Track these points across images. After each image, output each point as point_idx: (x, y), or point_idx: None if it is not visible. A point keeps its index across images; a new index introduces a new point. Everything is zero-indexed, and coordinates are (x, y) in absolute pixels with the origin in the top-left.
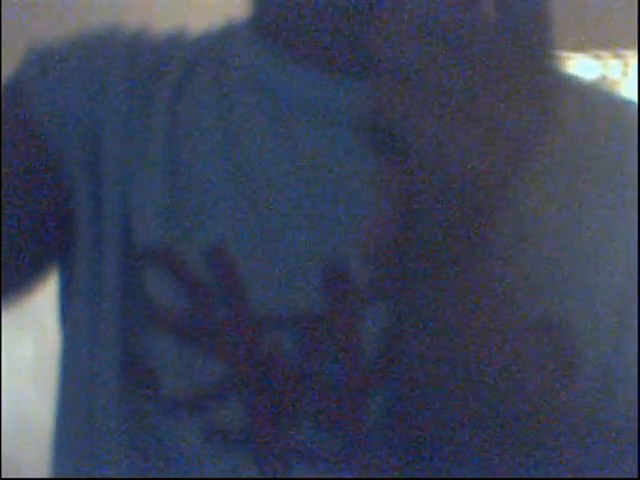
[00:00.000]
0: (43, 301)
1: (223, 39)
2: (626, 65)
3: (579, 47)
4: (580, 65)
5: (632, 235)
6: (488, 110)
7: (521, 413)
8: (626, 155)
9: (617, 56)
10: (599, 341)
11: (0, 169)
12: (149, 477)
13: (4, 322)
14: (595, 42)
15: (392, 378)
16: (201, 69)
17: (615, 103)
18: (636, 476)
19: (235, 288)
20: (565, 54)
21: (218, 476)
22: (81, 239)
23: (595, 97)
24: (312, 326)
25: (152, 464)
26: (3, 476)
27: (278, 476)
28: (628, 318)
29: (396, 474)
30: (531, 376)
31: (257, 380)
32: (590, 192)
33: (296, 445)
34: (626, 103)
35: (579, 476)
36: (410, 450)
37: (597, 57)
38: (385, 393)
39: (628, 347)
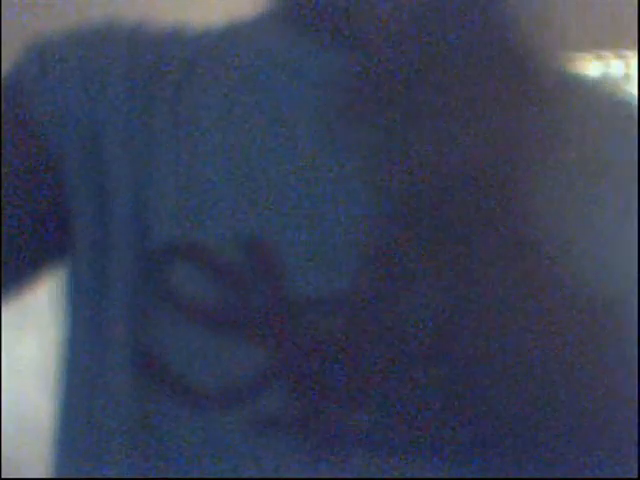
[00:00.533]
0: (43, 301)
1: (236, 33)
2: (628, 66)
3: (580, 47)
4: (581, 65)
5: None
6: (490, 108)
7: (568, 394)
8: (627, 153)
9: (619, 56)
10: None
11: (0, 168)
12: (150, 477)
13: (4, 322)
14: (597, 42)
15: (440, 356)
16: (204, 68)
17: (617, 101)
18: (636, 476)
19: (272, 273)
20: (567, 54)
21: (266, 468)
22: (82, 239)
23: (599, 95)
24: (354, 306)
25: (167, 463)
26: (3, 476)
27: (339, 460)
28: None
29: (448, 454)
30: (578, 357)
31: (303, 365)
32: (604, 186)
33: (350, 430)
34: (628, 102)
35: (579, 476)
36: (461, 429)
37: (599, 57)
38: (433, 371)
39: None
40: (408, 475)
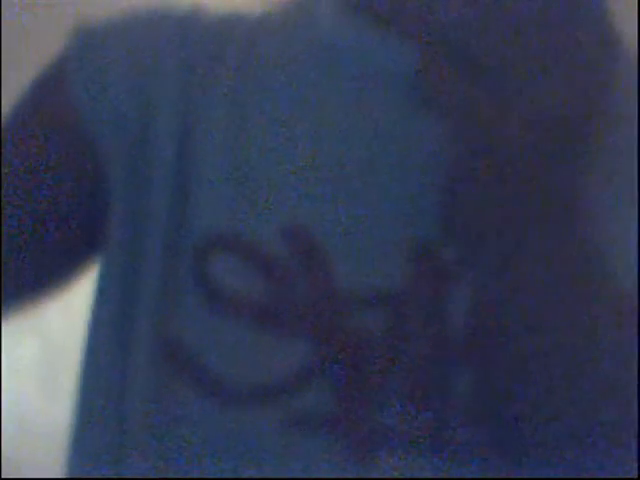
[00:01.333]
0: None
1: (296, 18)
2: None
3: None
4: None
5: None
6: (540, 82)
7: (602, 392)
8: None
9: None
10: None
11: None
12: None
13: (4, 323)
14: None
15: (478, 356)
16: (264, 53)
17: None
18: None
19: (318, 265)
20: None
21: (294, 467)
22: (118, 235)
23: None
24: (399, 303)
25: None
26: (3, 476)
27: (367, 461)
28: None
29: (483, 454)
30: (620, 349)
31: (343, 361)
32: None
33: (385, 427)
34: None
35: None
36: (498, 429)
37: None
38: (472, 371)
39: None
40: (439, 476)
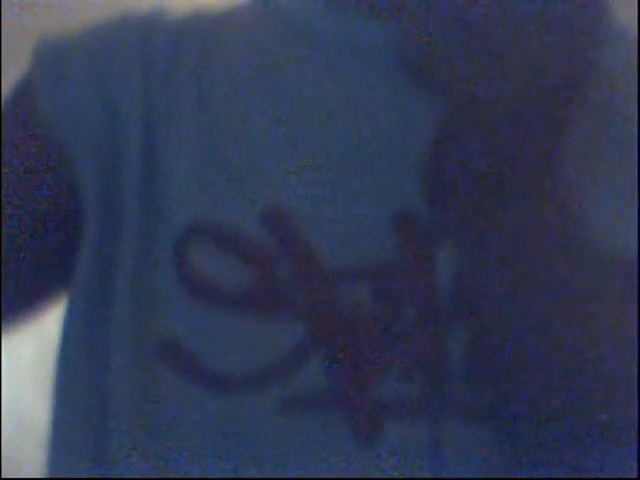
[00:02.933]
0: None
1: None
2: None
3: None
4: None
5: None
6: (529, 54)
7: (592, 349)
8: None
9: None
10: None
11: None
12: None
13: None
14: None
15: (468, 319)
16: (226, 42)
17: None
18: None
19: (300, 246)
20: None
21: (304, 445)
22: (92, 234)
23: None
24: (386, 275)
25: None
26: (3, 476)
27: (371, 436)
28: None
29: (481, 416)
30: (600, 313)
31: (336, 337)
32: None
33: (385, 400)
34: None
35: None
36: (494, 392)
37: None
38: (463, 335)
39: None
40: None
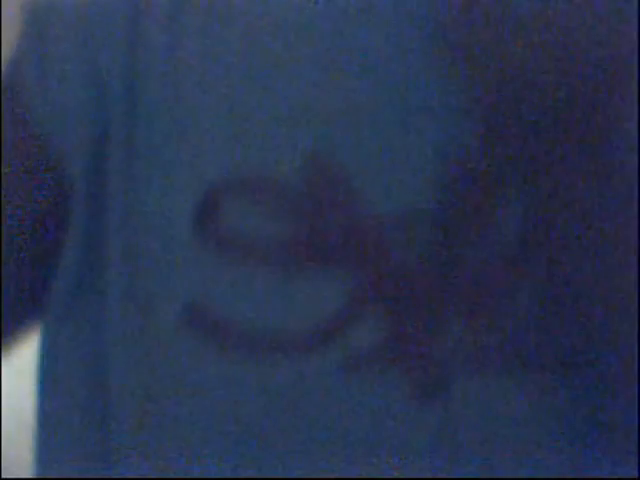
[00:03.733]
0: None
1: None
2: None
3: None
4: None
5: None
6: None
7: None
8: None
9: None
10: None
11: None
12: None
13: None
14: None
15: (536, 264)
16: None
17: None
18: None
19: (344, 195)
20: None
21: (367, 407)
22: (79, 200)
23: None
24: (438, 221)
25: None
26: (3, 476)
27: (436, 394)
28: None
29: (554, 367)
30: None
31: (391, 289)
32: None
33: (448, 354)
34: None
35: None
36: (562, 341)
37: None
38: (530, 281)
39: None
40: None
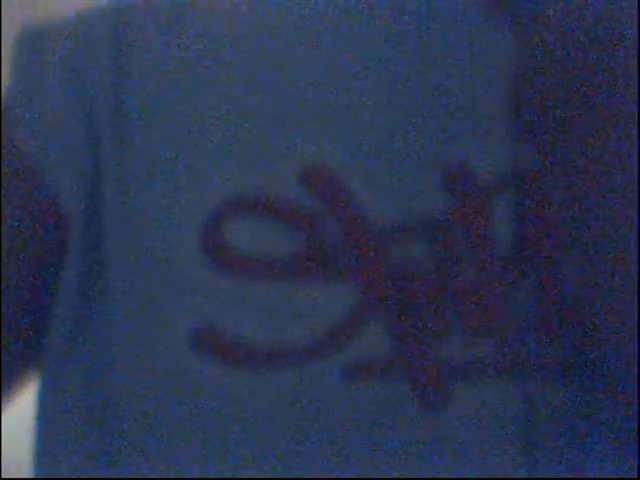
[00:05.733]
0: None
1: None
2: None
3: None
4: None
5: None
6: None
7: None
8: None
9: None
10: None
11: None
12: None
13: None
14: None
15: (531, 267)
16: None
17: None
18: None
19: (347, 204)
20: None
21: (370, 415)
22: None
23: None
24: (441, 228)
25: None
26: (3, 476)
27: (439, 400)
28: None
29: (560, 373)
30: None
31: (394, 299)
32: None
33: (451, 362)
34: None
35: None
36: (571, 346)
37: None
38: (527, 283)
39: None
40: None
